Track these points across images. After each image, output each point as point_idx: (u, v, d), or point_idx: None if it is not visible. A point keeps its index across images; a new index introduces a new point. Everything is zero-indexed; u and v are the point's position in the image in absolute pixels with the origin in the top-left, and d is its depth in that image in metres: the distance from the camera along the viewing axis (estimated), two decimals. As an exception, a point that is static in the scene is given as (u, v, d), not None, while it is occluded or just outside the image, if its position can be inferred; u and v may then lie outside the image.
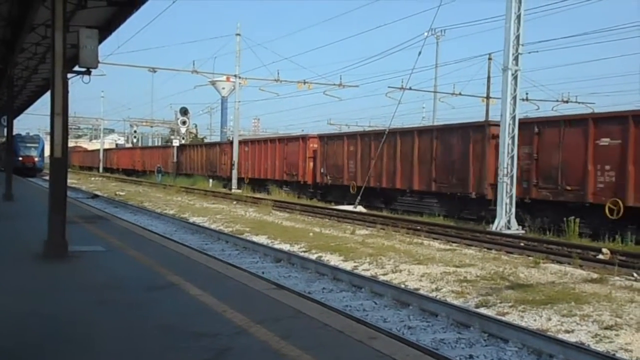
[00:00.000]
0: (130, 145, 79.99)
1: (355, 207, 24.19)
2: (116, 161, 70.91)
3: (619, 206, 15.53)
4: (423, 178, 22.84)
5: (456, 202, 21.69)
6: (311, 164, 31.28)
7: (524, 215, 18.09)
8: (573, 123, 17.67)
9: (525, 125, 18.53)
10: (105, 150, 79.01)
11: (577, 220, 15.86)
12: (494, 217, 18.26)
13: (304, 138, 32.87)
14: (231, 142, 39.76)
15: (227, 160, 40.53)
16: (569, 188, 17.21)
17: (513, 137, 17.82)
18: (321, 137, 31.10)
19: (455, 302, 8.90)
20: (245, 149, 38.30)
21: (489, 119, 20.16)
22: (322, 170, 29.56)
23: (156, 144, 77.65)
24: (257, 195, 31.80)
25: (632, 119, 15.66)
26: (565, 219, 16.13)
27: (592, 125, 16.64)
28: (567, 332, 7.57)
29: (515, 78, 17.96)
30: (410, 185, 23.62)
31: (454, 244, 15.18)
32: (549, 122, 18.82)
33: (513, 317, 8.16)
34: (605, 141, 16.22)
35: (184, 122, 50.42)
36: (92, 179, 57.99)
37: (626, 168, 15.59)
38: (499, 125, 19.02)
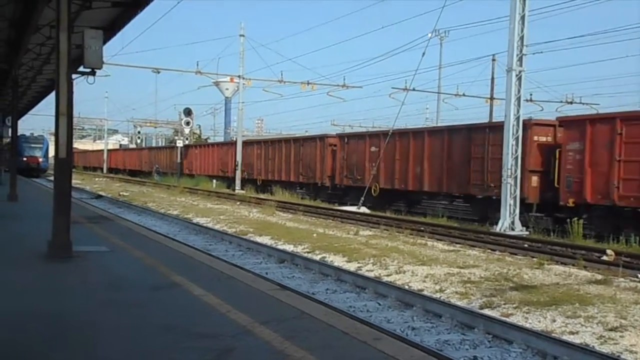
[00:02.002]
0: (134, 146, 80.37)
1: (358, 208, 24.20)
2: (90, 161, 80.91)
3: (377, 188, 25.21)
4: (295, 173, 32.65)
5: (311, 189, 31.33)
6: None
7: (341, 197, 28.49)
8: (360, 137, 28.49)
9: (341, 137, 29.78)
10: (94, 151, 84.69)
11: (581, 221, 15.87)
12: (331, 198, 29.24)
13: (232, 143, 42.21)
14: (186, 146, 49.80)
15: (184, 160, 49.85)
16: (358, 177, 26.97)
17: (517, 138, 17.78)
18: (245, 142, 40.59)
19: (459, 303, 8.89)
20: (196, 152, 48.61)
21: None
22: (243, 168, 38.67)
23: (160, 145, 77.92)
24: (261, 196, 31.91)
25: (382, 136, 25.86)
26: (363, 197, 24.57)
27: (368, 138, 27.21)
28: (572, 333, 7.55)
29: (519, 79, 17.93)
30: (289, 178, 33.24)
31: (457, 245, 15.16)
32: (351, 135, 30.47)
33: (517, 319, 8.14)
34: (374, 149, 26.03)
35: (187, 123, 50.43)
36: (96, 179, 58.11)
37: (380, 165, 25.17)
38: (334, 137, 30.85)
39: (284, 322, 5.45)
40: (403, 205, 24.86)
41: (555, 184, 17.67)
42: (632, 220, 15.53)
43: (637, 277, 10.95)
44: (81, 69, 9.93)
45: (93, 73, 9.93)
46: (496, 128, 19.70)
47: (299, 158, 32.20)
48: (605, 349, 6.96)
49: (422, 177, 22.94)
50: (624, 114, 17.05)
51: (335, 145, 29.34)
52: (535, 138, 18.86)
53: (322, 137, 31.39)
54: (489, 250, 14.20)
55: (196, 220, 21.48)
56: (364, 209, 24.19)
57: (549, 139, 18.91)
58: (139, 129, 78.65)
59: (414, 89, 34.61)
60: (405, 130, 25.84)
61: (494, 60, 38.88)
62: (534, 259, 12.79)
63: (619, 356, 6.70)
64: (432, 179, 22.61)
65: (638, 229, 14.79)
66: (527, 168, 18.53)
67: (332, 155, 29.48)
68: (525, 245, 14.90)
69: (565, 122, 18.32)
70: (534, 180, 18.69)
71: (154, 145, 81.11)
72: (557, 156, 17.66)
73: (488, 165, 19.93)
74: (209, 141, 65.78)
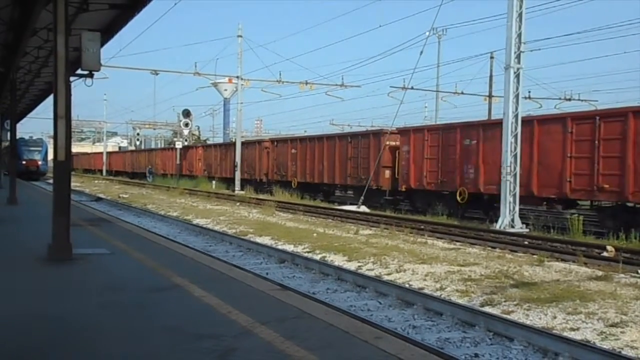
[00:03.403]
0: (133, 147, 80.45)
1: (358, 207, 24.21)
2: (81, 163, 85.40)
3: (296, 181, 32.16)
4: (241, 171, 38.25)
5: (253, 184, 37.36)
6: (200, 163, 47.69)
7: (274, 188, 33.43)
8: (284, 141, 35.30)
9: (272, 141, 36.56)
10: (87, 154, 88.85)
11: (581, 217, 15.91)
12: (266, 191, 34.78)
13: (196, 147, 51.02)
14: (163, 149, 56.47)
15: (156, 161, 57.23)
16: (284, 174, 33.46)
17: (516, 136, 17.80)
18: (203, 146, 50.70)
19: (460, 301, 8.89)
20: (168, 154, 55.13)
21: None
22: (204, 168, 46.66)
23: (159, 146, 78.06)
24: (261, 196, 31.94)
25: (298, 141, 33.35)
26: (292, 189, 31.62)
27: (289, 143, 33.98)
28: (573, 330, 7.55)
29: (517, 76, 17.94)
30: (227, 175, 40.85)
31: (457, 243, 15.16)
32: (279, 140, 36.78)
33: (518, 316, 8.15)
34: (293, 151, 32.49)
35: (186, 124, 50.49)
36: (96, 181, 58.11)
37: (297, 164, 32.11)
38: (268, 141, 37.62)
39: (284, 322, 5.45)
40: (321, 195, 30.58)
41: (396, 176, 24.76)
42: (436, 198, 22.35)
43: (637, 272, 10.95)
44: (79, 71, 9.94)
45: (91, 75, 9.92)
46: (366, 135, 27.77)
47: (244, 158, 38.40)
48: (606, 345, 6.97)
49: (322, 172, 29.99)
50: (429, 126, 26.73)
51: (268, 148, 35.91)
52: (387, 143, 25.35)
53: (260, 141, 38.73)
54: (489, 248, 14.20)
55: (196, 221, 21.49)
56: (363, 208, 24.20)
57: (396, 143, 25.02)
58: (138, 131, 78.61)
59: (412, 88, 34.64)
60: (312, 137, 33.28)
61: (492, 58, 38.94)
62: (534, 256, 12.80)
63: (620, 352, 6.70)
64: (329, 174, 29.52)
65: (441, 204, 21.54)
66: (382, 165, 25.23)
67: (267, 156, 36.01)
68: (526, 243, 14.92)
69: (400, 131, 25.32)
70: (387, 173, 25.33)
71: (152, 146, 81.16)
72: (397, 155, 24.64)
73: (361, 163, 26.96)
74: (208, 142, 66.15)
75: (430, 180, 22.55)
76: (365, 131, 29.12)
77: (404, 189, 24.03)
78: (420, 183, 23.07)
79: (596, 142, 16.49)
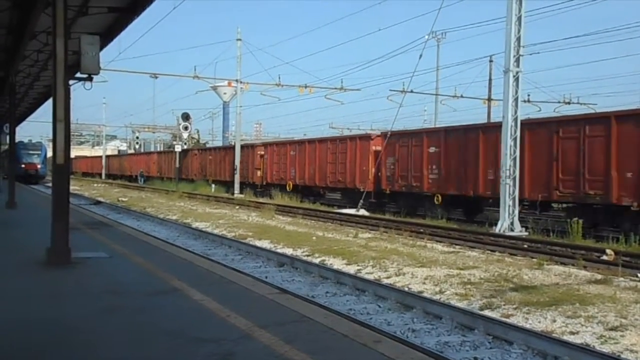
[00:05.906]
0: (132, 151, 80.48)
1: (357, 211, 24.20)
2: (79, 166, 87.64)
3: (211, 179, 42.94)
4: (184, 173, 48.54)
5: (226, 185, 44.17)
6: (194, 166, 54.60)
7: (273, 191, 36.31)
8: (205, 150, 47.84)
9: (199, 150, 48.15)
10: (83, 157, 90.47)
11: (581, 221, 15.92)
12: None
13: (152, 152, 61.31)
14: (131, 154, 63.25)
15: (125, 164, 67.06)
16: (204, 174, 44.46)
17: (515, 139, 17.83)
18: (161, 152, 58.98)
19: (459, 305, 8.88)
20: (135, 158, 64.48)
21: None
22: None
23: (158, 150, 78.12)
24: (260, 199, 31.96)
25: (217, 150, 45.50)
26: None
27: (207, 151, 46.43)
28: (572, 333, 7.55)
29: (516, 80, 17.95)
30: (168, 175, 51.70)
31: (457, 247, 15.16)
32: (202, 149, 48.42)
33: (517, 319, 8.14)
34: (210, 157, 44.05)
35: (185, 128, 50.40)
36: (95, 185, 58.10)
37: (213, 167, 43.67)
38: (195, 149, 51.26)
39: (284, 325, 5.45)
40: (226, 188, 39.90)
41: (262, 174, 36.18)
42: (280, 188, 33.40)
43: (636, 276, 10.95)
44: (78, 74, 9.94)
45: (90, 79, 9.94)
46: (247, 147, 39.60)
47: (181, 163, 48.66)
48: (606, 348, 6.96)
49: (224, 172, 41.28)
50: (276, 141, 41.67)
51: (196, 154, 48.64)
52: (258, 152, 36.80)
53: (191, 149, 50.68)
54: (489, 251, 14.20)
55: (195, 224, 21.47)
56: (363, 212, 24.20)
57: (263, 152, 36.44)
58: (137, 134, 78.58)
59: (411, 91, 34.77)
60: (219, 147, 46.95)
61: (491, 61, 39.03)
62: (534, 259, 12.79)
63: (619, 356, 6.70)
64: (228, 173, 39.87)
65: (281, 192, 32.73)
66: (255, 167, 36.89)
67: (195, 161, 47.98)
68: (525, 246, 14.90)
69: (264, 144, 38.67)
70: (258, 173, 36.64)
71: (152, 150, 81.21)
72: (262, 160, 36.31)
73: (245, 166, 38.27)
74: (207, 145, 66.31)
75: (277, 177, 34.66)
76: (247, 144, 40.86)
77: (265, 183, 36.09)
78: (272, 179, 35.19)
79: (337, 154, 28.94)
